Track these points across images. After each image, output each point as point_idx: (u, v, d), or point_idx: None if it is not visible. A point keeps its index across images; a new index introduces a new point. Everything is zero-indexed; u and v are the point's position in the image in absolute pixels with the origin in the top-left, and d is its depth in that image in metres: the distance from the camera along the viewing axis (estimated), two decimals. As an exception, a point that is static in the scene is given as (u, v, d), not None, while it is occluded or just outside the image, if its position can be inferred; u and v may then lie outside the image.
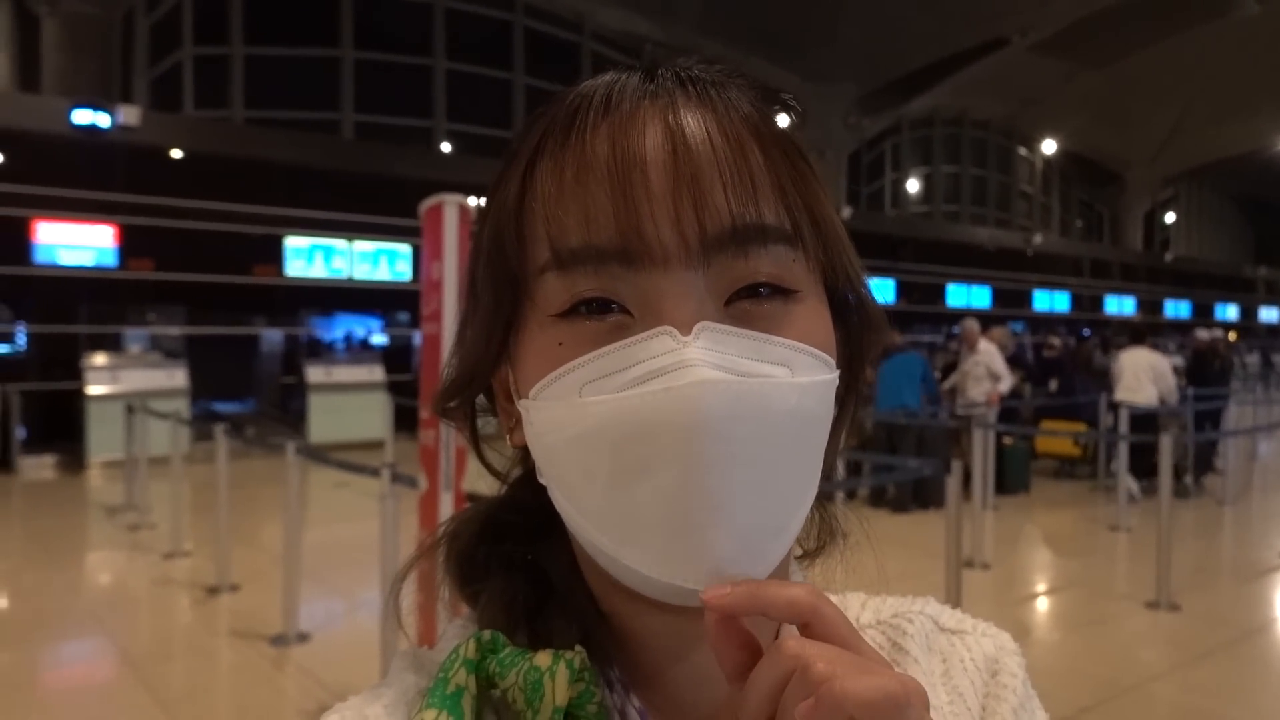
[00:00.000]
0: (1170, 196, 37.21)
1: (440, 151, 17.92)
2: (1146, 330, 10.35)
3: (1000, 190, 29.50)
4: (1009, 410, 10.18)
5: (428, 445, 2.89)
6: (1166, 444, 5.69)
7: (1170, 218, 38.16)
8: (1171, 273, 32.65)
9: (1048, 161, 31.53)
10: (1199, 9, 21.47)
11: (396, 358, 14.43)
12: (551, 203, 0.44)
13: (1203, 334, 13.77)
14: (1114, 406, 9.28)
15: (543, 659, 0.42)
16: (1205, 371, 12.49)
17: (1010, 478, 8.99)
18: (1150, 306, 30.57)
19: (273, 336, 14.84)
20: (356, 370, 12.75)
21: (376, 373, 12.79)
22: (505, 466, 0.56)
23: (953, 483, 4.20)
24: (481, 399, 0.54)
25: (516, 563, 0.50)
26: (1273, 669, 4.74)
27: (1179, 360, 13.91)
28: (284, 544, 4.84)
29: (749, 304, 0.44)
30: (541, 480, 0.48)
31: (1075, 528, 8.18)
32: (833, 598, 0.57)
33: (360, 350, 14.87)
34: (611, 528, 0.43)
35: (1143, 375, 9.17)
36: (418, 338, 15.99)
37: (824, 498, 0.55)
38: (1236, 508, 8.81)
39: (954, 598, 3.93)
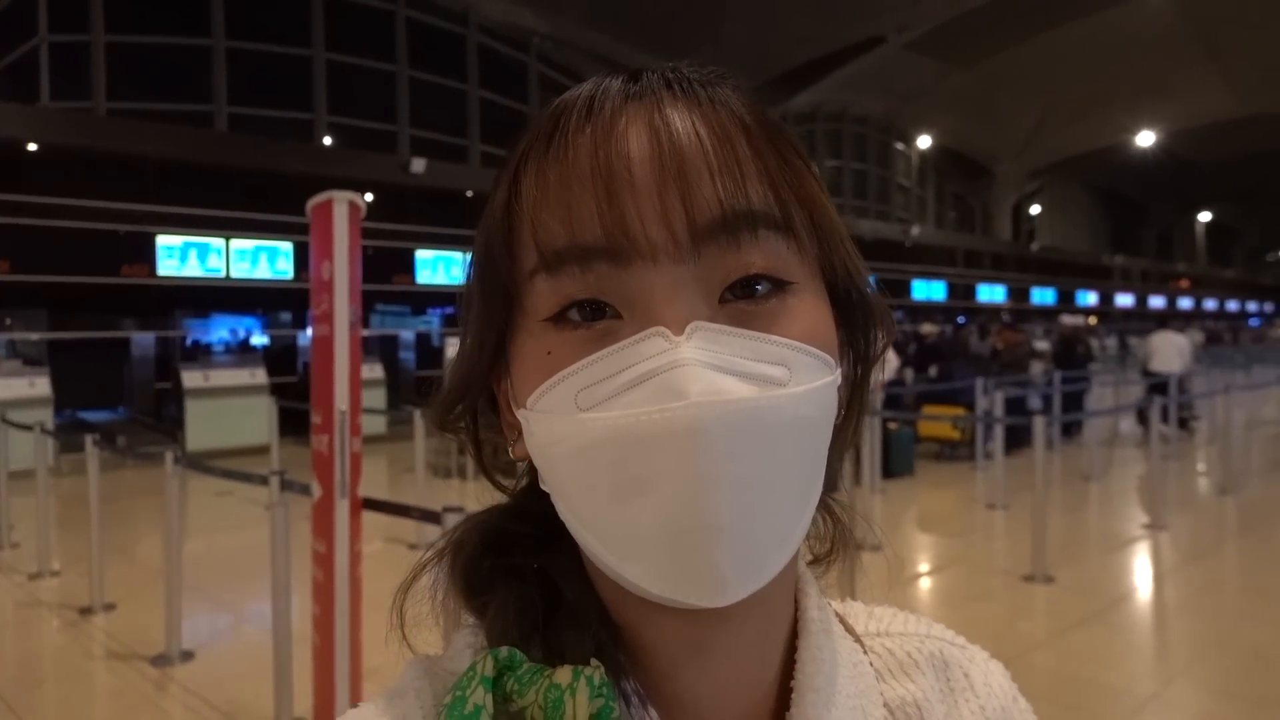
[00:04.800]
0: (1035, 189, 39.28)
1: (322, 145, 17.37)
2: (1169, 316, 13.76)
3: (880, 184, 30.54)
4: (893, 396, 10.57)
5: (321, 451, 2.79)
6: (1040, 424, 6.01)
7: (1036, 209, 40.29)
8: (1038, 261, 34.49)
9: (923, 156, 32.80)
10: (1062, 9, 22.69)
11: (280, 359, 13.92)
12: (536, 207, 0.43)
13: (1067, 320, 14.61)
14: (1147, 374, 11.95)
15: (562, 676, 0.41)
16: (1070, 355, 13.25)
17: (895, 462, 9.33)
18: (1019, 294, 32.21)
19: (144, 340, 14.08)
20: (237, 373, 12.21)
21: (259, 375, 12.28)
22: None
23: (843, 468, 4.33)
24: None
25: (524, 573, 0.49)
26: (1139, 633, 5.07)
27: (1198, 336, 16.63)
28: (164, 558, 4.61)
29: (745, 303, 0.43)
30: (544, 487, 0.47)
31: (957, 507, 8.55)
32: (835, 605, 0.56)
33: (240, 352, 14.28)
34: (613, 542, 0.42)
35: (1172, 351, 11.69)
36: (303, 338, 15.50)
37: (837, 504, 0.55)
38: (1102, 483, 9.38)
39: (848, 578, 4.06)
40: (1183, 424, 12.30)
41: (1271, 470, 9.86)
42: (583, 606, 0.47)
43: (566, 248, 0.42)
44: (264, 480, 3.83)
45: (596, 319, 0.42)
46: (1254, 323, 48.11)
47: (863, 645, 0.55)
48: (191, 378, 11.71)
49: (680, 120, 0.43)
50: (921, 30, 22.44)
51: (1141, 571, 6.25)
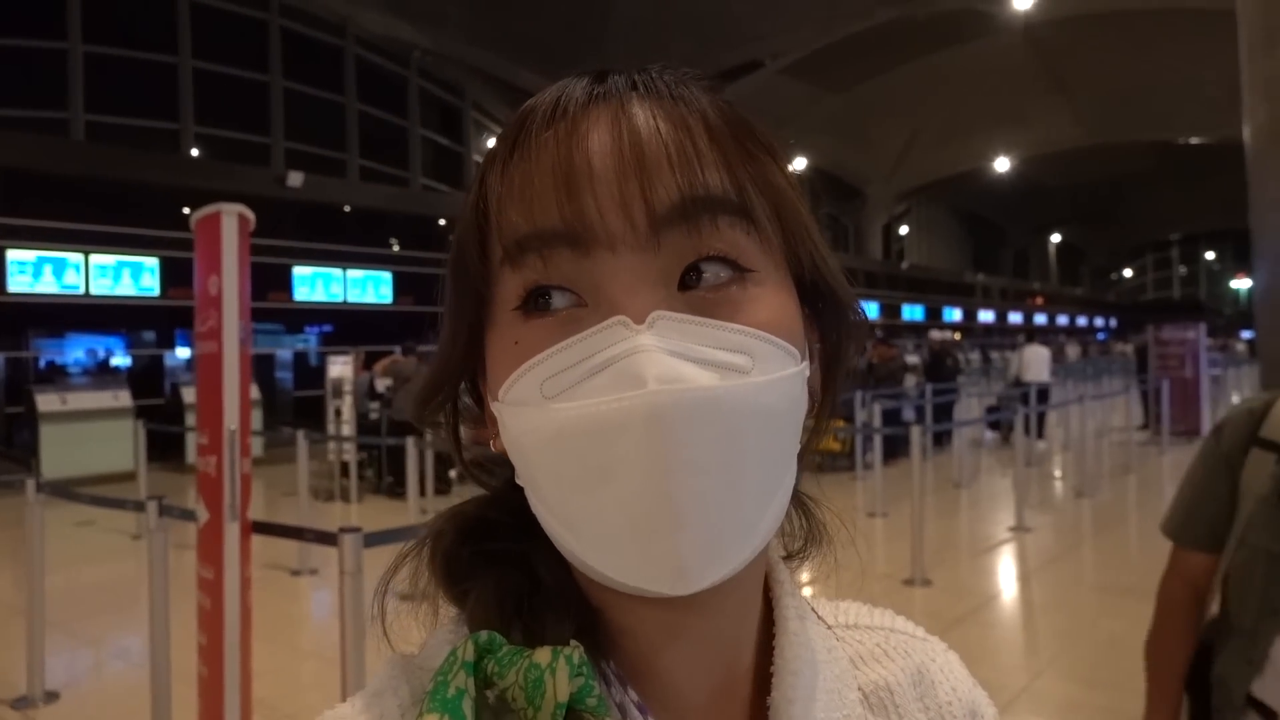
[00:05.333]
0: (904, 211, 41.10)
1: (190, 157, 16.62)
2: (1027, 332, 15.53)
3: (758, 204, 31.28)
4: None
5: (208, 473, 2.67)
6: (916, 434, 6.29)
7: (904, 230, 42.14)
8: (907, 280, 36.05)
9: (799, 177, 33.74)
10: (926, 40, 23.91)
11: (145, 380, 13.19)
12: (501, 203, 0.44)
13: (936, 335, 15.36)
14: (1020, 384, 13.03)
15: (542, 656, 0.41)
16: (940, 368, 13.90)
17: (780, 473, 9.54)
18: (890, 310, 33.55)
19: (-9, 362, 13.13)
20: (98, 396, 11.50)
21: (122, 398, 11.61)
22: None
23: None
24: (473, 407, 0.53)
25: (504, 560, 0.49)
26: (1010, 630, 5.36)
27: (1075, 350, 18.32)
28: (26, 591, 4.31)
29: (706, 292, 0.43)
30: (518, 480, 0.47)
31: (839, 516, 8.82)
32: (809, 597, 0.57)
33: (100, 373, 13.48)
34: (581, 532, 0.43)
35: (1042, 362, 13.27)
36: (170, 358, 14.73)
37: (812, 501, 0.56)
38: (970, 490, 9.87)
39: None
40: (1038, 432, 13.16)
41: (1121, 474, 10.58)
42: (562, 591, 0.47)
43: (527, 235, 0.43)
44: (139, 507, 3.65)
45: (561, 307, 0.43)
46: (1101, 337, 51.59)
47: (834, 634, 0.56)
48: (47, 401, 10.97)
49: (642, 115, 0.44)
50: (796, 56, 23.26)
51: (1009, 572, 6.62)
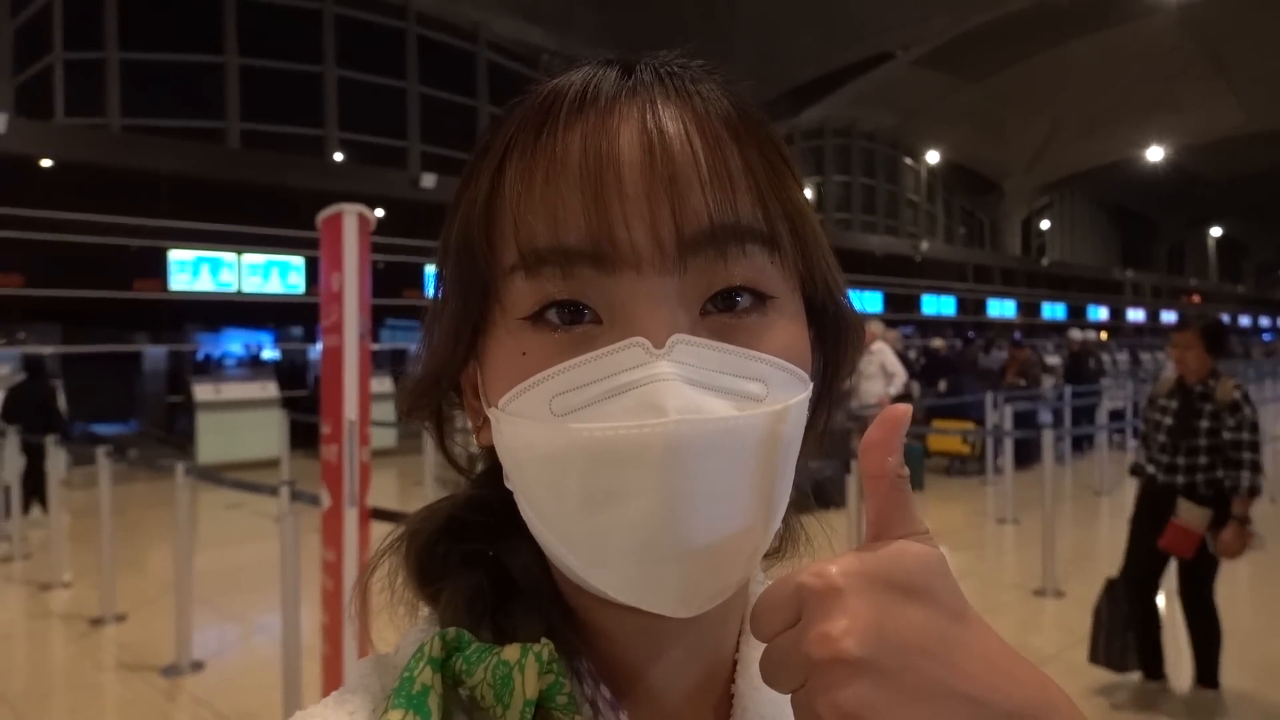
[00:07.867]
0: (1045, 204, 39.23)
1: (333, 161, 17.51)
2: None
3: (889, 199, 30.54)
4: (902, 411, 10.56)
5: (330, 461, 2.81)
6: (1048, 438, 6.00)
7: (1045, 224, 40.21)
8: (1048, 277, 34.39)
9: (932, 171, 32.81)
10: (1069, 25, 22.75)
11: (291, 373, 13.99)
12: (521, 205, 0.42)
13: (1076, 335, 14.58)
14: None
15: (510, 653, 0.41)
16: (1081, 370, 13.20)
17: (905, 476, 9.27)
18: (1029, 309, 32.09)
19: (156, 353, 14.20)
20: (248, 387, 12.29)
21: (270, 389, 12.36)
22: (467, 462, 0.55)
23: (853, 482, 4.33)
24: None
25: (477, 560, 0.49)
26: (1149, 647, 5.03)
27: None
28: (175, 568, 4.63)
29: (727, 317, 0.42)
30: (508, 485, 0.47)
31: (967, 521, 8.51)
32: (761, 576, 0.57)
33: (252, 366, 14.37)
34: (579, 548, 0.42)
35: None
36: (313, 352, 15.59)
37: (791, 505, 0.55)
38: (1112, 497, 9.33)
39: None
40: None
41: (1283, 485, 9.78)
42: (534, 590, 0.47)
43: (548, 248, 0.41)
44: (274, 491, 3.86)
45: (575, 323, 0.42)
46: (1266, 338, 47.86)
47: None
48: (203, 391, 11.79)
49: (673, 124, 0.43)
50: (929, 46, 22.53)
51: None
